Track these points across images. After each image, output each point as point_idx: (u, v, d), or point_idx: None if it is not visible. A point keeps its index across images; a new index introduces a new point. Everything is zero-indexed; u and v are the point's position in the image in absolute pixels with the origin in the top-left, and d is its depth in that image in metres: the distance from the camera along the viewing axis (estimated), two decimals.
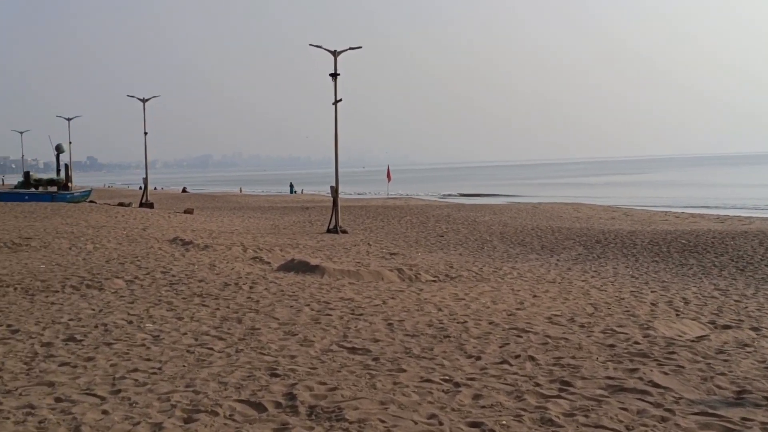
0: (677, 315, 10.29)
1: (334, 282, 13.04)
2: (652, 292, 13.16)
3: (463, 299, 11.46)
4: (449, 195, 74.67)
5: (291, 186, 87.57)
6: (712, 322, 9.67)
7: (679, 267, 17.24)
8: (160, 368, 7.01)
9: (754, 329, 8.99)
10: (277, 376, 6.65)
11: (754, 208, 45.48)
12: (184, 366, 7.09)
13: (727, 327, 9.23)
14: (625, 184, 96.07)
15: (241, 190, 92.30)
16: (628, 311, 10.48)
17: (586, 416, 5.32)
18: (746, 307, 11.20)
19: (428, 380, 6.43)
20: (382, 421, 5.26)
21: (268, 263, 16.54)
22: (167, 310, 10.03)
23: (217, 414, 5.53)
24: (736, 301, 12.07)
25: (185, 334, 8.51)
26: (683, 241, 21.00)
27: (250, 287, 12.01)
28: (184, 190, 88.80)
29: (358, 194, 78.21)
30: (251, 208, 46.32)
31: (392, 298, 11.21)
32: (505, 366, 6.91)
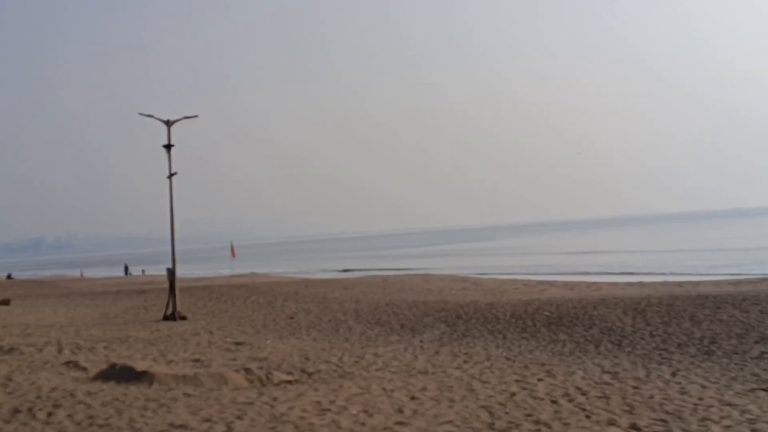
0: (588, 417, 8.66)
1: (165, 394, 10.40)
2: (539, 380, 11.59)
3: (329, 410, 9.26)
4: (326, 270, 71.58)
5: (126, 268, 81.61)
6: (635, 427, 8.10)
7: (552, 344, 16.00)
8: None
9: None
10: None
11: (581, 273, 46.74)
12: None
13: None
14: (460, 253, 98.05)
15: (82, 274, 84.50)
16: (531, 416, 8.73)
17: None
18: (652, 397, 9.82)
19: None
20: None
21: (85, 369, 13.52)
22: None
23: None
24: (634, 387, 10.71)
25: None
26: (546, 313, 20.01)
27: (49, 414, 9.05)
28: (8, 277, 79.85)
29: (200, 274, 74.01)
30: (82, 294, 41.54)
31: (239, 417, 8.78)
32: None
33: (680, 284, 30.36)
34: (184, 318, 24.51)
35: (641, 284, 32.08)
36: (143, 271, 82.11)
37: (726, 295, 20.15)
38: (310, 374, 12.84)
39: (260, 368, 12.83)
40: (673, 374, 11.90)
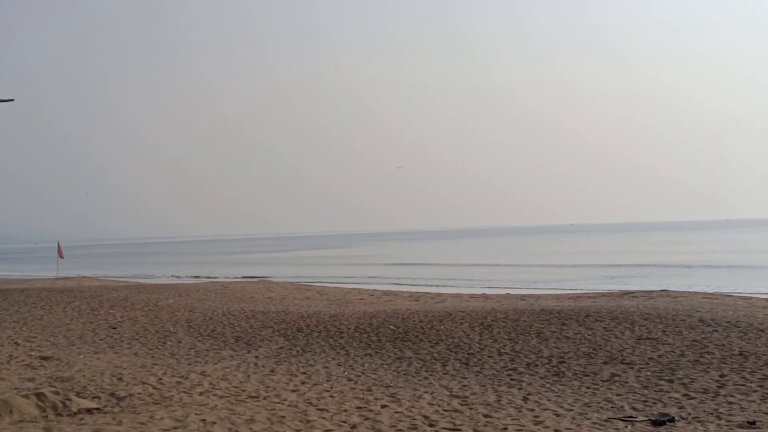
0: None
1: None
2: (382, 406, 10.40)
3: None
4: (164, 275, 67.06)
5: None
6: None
7: (398, 362, 14.94)
8: None
9: None
10: None
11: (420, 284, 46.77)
12: None
13: None
14: (307, 260, 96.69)
15: None
16: None
17: None
18: (505, 429, 8.88)
19: None
20: None
21: None
22: None
23: None
24: (485, 416, 9.75)
25: None
26: (392, 327, 19.03)
27: None
28: None
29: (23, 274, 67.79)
30: None
31: None
32: None
33: (522, 297, 30.57)
34: None
35: (485, 297, 32.06)
36: None
37: (569, 311, 20.05)
38: (119, 400, 10.96)
39: (57, 393, 10.76)
40: (525, 399, 11.10)
